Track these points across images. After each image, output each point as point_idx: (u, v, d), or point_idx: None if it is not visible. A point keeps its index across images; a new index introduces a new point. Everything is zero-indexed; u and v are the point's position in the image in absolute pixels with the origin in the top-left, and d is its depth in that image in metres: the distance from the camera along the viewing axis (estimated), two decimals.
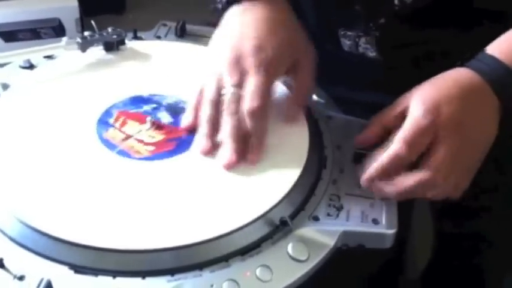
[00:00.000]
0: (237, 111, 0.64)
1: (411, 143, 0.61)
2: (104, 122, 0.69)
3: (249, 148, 0.64)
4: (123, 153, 0.65)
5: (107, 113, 0.70)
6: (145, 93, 0.73)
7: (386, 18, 0.77)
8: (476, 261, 0.76)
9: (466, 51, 0.66)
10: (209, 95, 0.66)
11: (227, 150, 0.64)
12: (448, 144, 0.61)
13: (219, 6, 0.72)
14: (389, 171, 0.62)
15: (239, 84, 0.65)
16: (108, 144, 0.66)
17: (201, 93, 0.68)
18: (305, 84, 0.70)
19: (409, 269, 0.83)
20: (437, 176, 0.61)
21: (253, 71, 0.65)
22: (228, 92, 0.65)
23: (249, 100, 0.64)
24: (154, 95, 0.73)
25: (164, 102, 0.72)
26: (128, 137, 0.67)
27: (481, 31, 0.67)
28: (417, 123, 0.61)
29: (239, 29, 0.68)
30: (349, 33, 0.80)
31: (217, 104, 0.65)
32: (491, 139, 0.64)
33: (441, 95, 0.63)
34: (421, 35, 0.77)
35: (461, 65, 0.65)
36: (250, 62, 0.65)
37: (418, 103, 0.63)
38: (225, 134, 0.64)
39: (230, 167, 0.63)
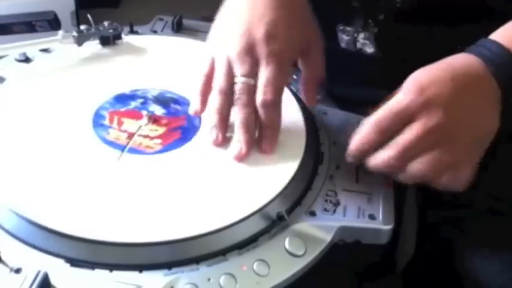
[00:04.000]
0: (248, 103, 0.64)
1: (378, 125, 0.61)
2: (99, 124, 0.68)
3: (263, 139, 0.65)
4: (134, 151, 0.65)
5: (98, 115, 0.69)
6: (127, 90, 0.73)
7: (385, 14, 0.77)
8: (451, 254, 0.76)
9: (467, 46, 0.66)
10: (219, 85, 0.65)
11: (239, 142, 0.64)
12: (421, 126, 0.59)
13: None
14: (362, 151, 0.63)
15: (250, 74, 0.64)
16: (115, 145, 0.66)
17: (207, 77, 0.67)
18: (318, 66, 0.71)
19: (400, 263, 0.83)
20: (397, 157, 0.60)
21: (266, 61, 0.64)
22: (239, 81, 0.64)
23: (263, 92, 0.63)
24: (137, 90, 0.73)
25: (150, 96, 0.72)
26: (131, 135, 0.67)
27: (483, 27, 0.66)
28: (394, 104, 0.61)
29: (248, 14, 0.67)
30: (347, 28, 0.80)
31: (227, 94, 0.65)
32: (491, 130, 0.62)
33: (431, 77, 0.61)
34: (420, 30, 0.77)
35: (462, 50, 0.64)
36: (262, 52, 0.64)
37: (404, 85, 0.62)
38: (237, 125, 0.64)
39: (241, 158, 0.64)
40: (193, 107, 0.69)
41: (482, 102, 0.62)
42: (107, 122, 0.68)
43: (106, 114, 0.69)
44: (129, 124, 0.68)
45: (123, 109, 0.70)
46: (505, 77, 0.62)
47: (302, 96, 0.73)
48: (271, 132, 0.65)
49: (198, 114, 0.69)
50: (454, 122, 0.60)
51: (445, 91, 0.60)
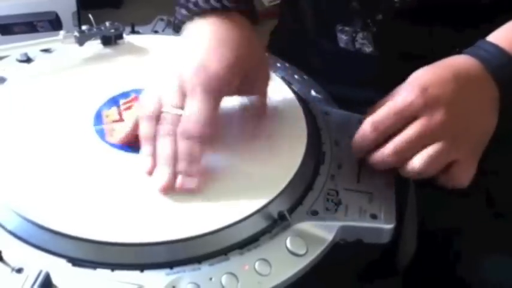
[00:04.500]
0: (169, 133, 0.61)
1: (376, 124, 0.62)
2: (100, 122, 0.68)
3: (178, 174, 0.60)
4: (100, 132, 0.66)
5: (100, 112, 0.69)
6: (128, 89, 0.73)
7: (384, 15, 0.77)
8: (451, 255, 0.76)
9: (465, 47, 0.66)
10: (146, 113, 0.63)
11: (161, 174, 0.60)
12: (421, 125, 0.60)
13: (177, 21, 0.72)
14: (362, 149, 0.64)
15: (177, 105, 0.62)
16: (99, 121, 0.66)
17: (146, 106, 0.65)
18: (262, 97, 0.68)
19: (401, 263, 0.83)
20: (397, 154, 0.61)
21: (192, 93, 0.61)
22: (165, 110, 0.62)
23: (182, 124, 0.61)
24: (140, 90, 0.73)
25: None
26: (119, 121, 0.68)
27: (482, 27, 0.66)
28: (395, 103, 0.61)
29: (183, 49, 0.66)
30: (346, 28, 0.81)
31: (152, 121, 0.63)
32: (490, 129, 0.63)
33: (432, 77, 0.62)
34: (418, 30, 0.77)
35: (460, 52, 0.65)
36: (188, 84, 0.62)
37: (405, 84, 0.62)
38: (159, 156, 0.61)
39: (166, 191, 0.60)
40: (120, 136, 0.66)
41: (482, 102, 0.63)
42: (109, 119, 0.68)
43: (107, 112, 0.69)
44: (133, 112, 0.68)
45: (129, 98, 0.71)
46: (502, 78, 0.63)
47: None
48: (188, 165, 0.60)
49: (122, 142, 0.66)
50: (455, 120, 0.61)
51: (447, 90, 0.61)
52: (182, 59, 0.65)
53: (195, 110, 0.61)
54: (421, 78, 0.63)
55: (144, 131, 0.63)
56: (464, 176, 0.63)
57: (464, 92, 0.62)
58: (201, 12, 0.68)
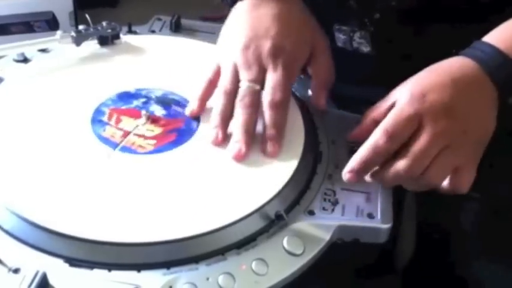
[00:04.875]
0: (251, 104, 0.65)
1: (390, 133, 0.60)
2: (97, 120, 0.68)
3: (269, 141, 0.65)
4: (126, 149, 0.65)
5: (98, 111, 0.69)
6: (131, 88, 0.73)
7: (381, 14, 0.77)
8: (449, 254, 0.76)
9: (462, 46, 0.66)
10: (224, 86, 0.67)
11: (239, 142, 0.64)
12: (429, 133, 0.59)
13: (228, 0, 0.73)
14: (371, 163, 0.61)
15: (257, 80, 0.66)
16: (109, 143, 0.66)
17: (210, 81, 0.69)
18: (326, 69, 0.72)
19: (399, 262, 0.83)
20: (414, 166, 0.59)
21: (274, 69, 0.66)
22: (245, 85, 0.66)
23: (271, 93, 0.65)
24: (142, 90, 0.73)
25: (153, 96, 0.72)
26: (127, 133, 0.67)
27: (478, 26, 0.66)
28: (400, 112, 0.61)
29: (253, 26, 0.69)
30: (343, 28, 0.81)
31: (231, 96, 0.66)
32: (489, 129, 0.63)
33: (430, 83, 0.62)
34: (416, 29, 0.77)
35: (457, 53, 0.65)
36: (270, 63, 0.66)
37: (405, 92, 0.62)
38: (238, 125, 0.65)
39: (240, 158, 0.64)
40: (191, 108, 0.69)
41: (481, 104, 0.63)
42: (105, 118, 0.68)
43: (106, 110, 0.69)
44: (127, 122, 0.68)
45: (124, 107, 0.70)
46: (499, 78, 0.62)
47: (312, 99, 0.73)
48: (278, 133, 0.65)
49: (195, 115, 0.69)
50: (457, 124, 0.61)
51: (446, 95, 0.61)
52: (240, 34, 0.69)
53: (279, 82, 0.66)
54: (419, 84, 0.62)
55: (221, 103, 0.66)
56: (466, 181, 0.62)
57: (462, 95, 0.62)
58: None
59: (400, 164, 0.60)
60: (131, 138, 0.66)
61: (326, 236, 0.59)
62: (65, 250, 0.55)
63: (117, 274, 0.54)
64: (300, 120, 0.70)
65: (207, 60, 0.72)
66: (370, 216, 0.62)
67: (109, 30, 0.79)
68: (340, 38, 0.82)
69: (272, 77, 0.66)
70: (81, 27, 0.79)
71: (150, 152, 0.65)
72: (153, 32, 0.85)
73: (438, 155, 0.60)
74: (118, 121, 0.68)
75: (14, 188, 0.60)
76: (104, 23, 0.79)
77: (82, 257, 0.55)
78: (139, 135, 0.67)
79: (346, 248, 0.61)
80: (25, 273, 0.53)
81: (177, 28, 0.85)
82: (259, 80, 0.66)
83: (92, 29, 0.79)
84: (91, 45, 0.79)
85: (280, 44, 0.67)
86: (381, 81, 0.66)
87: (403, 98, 0.62)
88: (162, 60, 0.78)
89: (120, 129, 0.67)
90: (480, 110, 0.63)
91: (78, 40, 0.78)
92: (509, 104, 0.63)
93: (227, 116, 0.66)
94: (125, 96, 0.72)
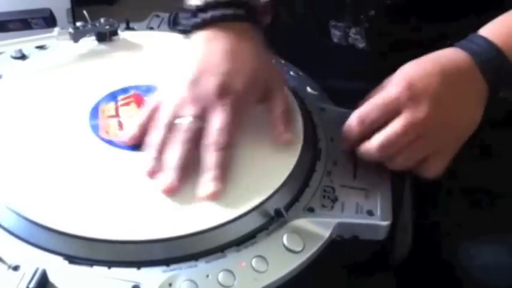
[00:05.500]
0: (191, 140, 0.62)
1: (362, 118, 0.63)
2: (96, 120, 0.68)
3: (212, 181, 0.60)
4: (95, 128, 0.66)
5: (95, 109, 0.69)
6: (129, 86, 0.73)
7: (376, 10, 0.77)
8: (444, 251, 0.76)
9: (456, 41, 0.66)
10: (167, 119, 0.63)
11: (171, 176, 0.60)
12: (405, 120, 0.61)
13: (185, 29, 0.71)
14: (348, 142, 0.65)
15: (200, 117, 0.63)
16: (95, 116, 0.66)
17: (153, 112, 0.65)
18: (280, 107, 0.67)
19: (395, 258, 0.84)
20: (380, 149, 0.62)
21: (220, 109, 0.63)
22: (187, 120, 0.62)
23: (217, 135, 0.62)
24: (140, 86, 0.72)
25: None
26: (114, 116, 0.68)
27: (472, 21, 0.67)
28: (381, 97, 0.62)
29: (204, 61, 0.65)
30: (339, 24, 0.81)
31: (171, 129, 0.63)
32: (474, 123, 0.63)
33: (419, 72, 0.63)
34: (410, 26, 0.78)
35: (451, 45, 0.65)
36: (216, 102, 0.63)
37: (393, 79, 0.63)
38: (174, 160, 0.61)
39: (171, 192, 0.60)
40: (130, 135, 0.66)
41: (468, 96, 0.63)
42: (104, 114, 0.68)
43: (132, 92, 0.70)
44: (130, 109, 0.69)
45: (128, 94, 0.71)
46: (492, 71, 0.63)
47: (273, 137, 0.68)
48: (223, 174, 0.61)
49: (131, 143, 0.65)
50: (440, 115, 0.62)
51: (433, 84, 0.62)
52: (190, 68, 0.65)
53: (224, 124, 0.62)
54: (407, 72, 0.63)
55: (157, 136, 0.63)
56: (438, 167, 0.63)
57: (450, 85, 0.62)
58: (211, 21, 0.68)
59: (368, 145, 0.63)
60: (111, 122, 0.67)
61: (326, 233, 0.59)
62: (64, 248, 0.55)
63: (116, 271, 0.54)
64: (298, 117, 0.69)
65: None
66: (370, 213, 0.62)
67: (107, 27, 0.79)
68: (336, 34, 0.82)
69: (218, 118, 0.62)
70: (79, 23, 0.79)
71: (107, 141, 0.65)
72: (151, 28, 0.85)
73: (411, 142, 0.61)
74: (125, 104, 0.69)
75: (14, 186, 0.60)
76: (102, 20, 0.79)
77: (82, 255, 0.55)
78: (120, 124, 0.67)
79: (345, 245, 0.61)
80: (25, 271, 0.53)
81: (175, 25, 0.85)
82: (201, 117, 0.63)
83: (89, 26, 0.79)
84: (89, 42, 0.79)
85: (228, 82, 0.63)
86: (377, 76, 0.66)
87: (390, 84, 0.63)
88: (161, 56, 0.78)
89: (117, 110, 0.68)
90: (466, 103, 0.63)
91: (76, 37, 0.78)
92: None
93: (164, 149, 0.63)
94: (122, 92, 0.72)
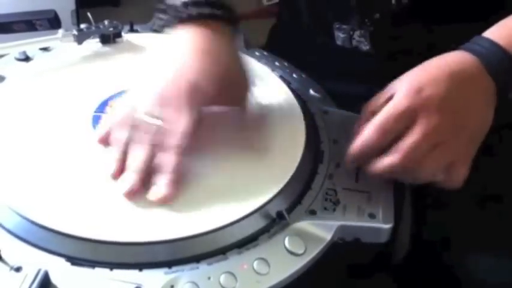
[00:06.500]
0: (157, 143, 0.61)
1: (382, 127, 0.61)
2: (99, 119, 0.68)
3: (166, 184, 0.60)
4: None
5: (104, 104, 0.70)
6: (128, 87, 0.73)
7: (381, 13, 0.77)
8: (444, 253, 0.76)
9: (461, 43, 0.66)
10: (135, 120, 0.62)
11: (133, 179, 0.60)
12: (423, 127, 0.60)
13: (162, 24, 0.70)
14: (364, 156, 0.62)
15: (169, 120, 0.61)
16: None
17: (122, 113, 0.65)
18: (242, 109, 0.67)
19: (394, 259, 0.84)
20: (405, 161, 0.60)
21: (173, 105, 0.61)
22: (156, 122, 0.61)
23: (180, 138, 0.61)
24: None
25: None
26: None
27: (476, 25, 0.67)
28: (395, 106, 0.61)
29: (178, 61, 0.65)
30: (343, 26, 0.81)
31: (138, 130, 0.62)
32: (486, 124, 0.63)
33: (427, 77, 0.62)
34: (415, 29, 0.78)
35: (456, 48, 0.65)
36: (185, 104, 0.62)
37: (402, 86, 0.62)
38: (135, 162, 0.61)
39: (131, 196, 0.59)
40: (98, 135, 0.65)
41: (478, 99, 0.63)
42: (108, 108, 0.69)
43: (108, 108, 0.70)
44: None
45: None
46: (498, 73, 0.63)
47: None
48: (179, 179, 0.60)
49: (100, 143, 0.65)
50: (452, 120, 0.61)
51: (443, 89, 0.61)
52: (162, 69, 0.65)
53: (176, 122, 0.61)
54: (414, 79, 0.63)
55: (116, 136, 0.63)
56: (459, 176, 0.62)
57: (459, 89, 0.62)
58: (186, 19, 0.67)
59: (392, 158, 0.61)
60: None
61: (327, 236, 0.59)
62: (67, 249, 0.55)
63: (118, 273, 0.54)
64: (301, 119, 0.70)
65: None
66: (372, 216, 0.62)
67: (111, 29, 0.79)
68: (340, 36, 0.82)
69: (170, 117, 0.61)
70: (83, 25, 0.79)
71: None
72: (155, 30, 0.85)
73: (431, 150, 0.60)
74: None
75: (16, 187, 0.60)
76: (106, 22, 0.80)
77: (84, 256, 0.55)
78: None
79: (347, 248, 0.61)
80: (27, 272, 0.53)
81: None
82: (171, 120, 0.61)
83: (93, 28, 0.79)
84: (93, 44, 0.79)
85: (199, 84, 0.62)
86: (380, 79, 0.66)
87: (399, 91, 0.62)
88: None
89: None
90: (477, 105, 0.63)
91: (80, 39, 0.78)
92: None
93: (127, 149, 0.62)
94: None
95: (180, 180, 0.60)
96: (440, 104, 0.61)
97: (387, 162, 0.61)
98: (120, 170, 0.61)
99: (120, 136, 0.62)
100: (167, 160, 0.60)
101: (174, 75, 0.63)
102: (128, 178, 0.60)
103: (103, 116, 0.68)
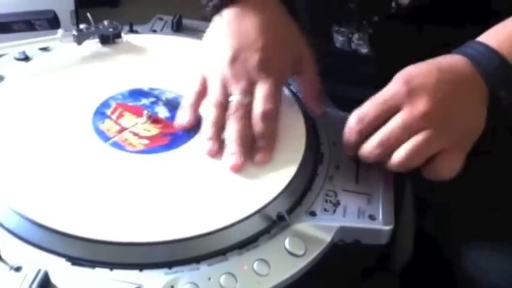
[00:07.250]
0: (244, 116, 0.65)
1: (361, 115, 0.63)
2: (101, 112, 0.69)
3: (261, 150, 0.64)
4: (116, 145, 0.65)
5: (105, 103, 0.70)
6: (145, 86, 0.73)
7: (380, 17, 0.78)
8: (448, 254, 0.76)
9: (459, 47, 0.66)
10: (215, 99, 0.66)
11: (234, 153, 0.64)
12: (403, 115, 0.61)
13: (209, 10, 0.73)
14: (351, 143, 0.65)
15: (247, 92, 0.66)
16: (102, 136, 0.66)
17: (198, 94, 0.68)
18: (313, 77, 0.72)
19: (398, 262, 0.84)
20: (384, 143, 0.62)
21: (263, 82, 0.66)
22: (235, 98, 0.66)
23: (261, 104, 0.65)
24: (155, 89, 0.73)
25: (163, 97, 0.72)
26: (123, 129, 0.67)
27: (474, 29, 0.67)
28: (380, 93, 0.63)
29: (240, 38, 0.69)
30: (342, 29, 0.81)
31: (223, 108, 0.66)
32: (477, 124, 0.63)
33: (417, 71, 0.63)
34: (414, 32, 0.78)
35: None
36: (258, 75, 0.66)
37: (393, 80, 0.63)
38: (232, 137, 0.64)
39: (237, 169, 0.63)
40: (182, 120, 0.68)
41: (469, 97, 0.63)
42: (109, 111, 0.69)
43: (113, 104, 0.70)
44: (128, 119, 0.68)
45: (131, 103, 0.71)
46: (491, 77, 0.63)
47: (309, 109, 0.73)
48: (269, 142, 0.65)
49: (189, 125, 0.68)
50: (439, 109, 0.61)
51: (430, 81, 0.62)
52: (242, 46, 0.68)
53: (269, 94, 0.66)
54: (406, 72, 0.64)
55: (213, 115, 0.66)
56: (447, 167, 0.63)
57: (448, 83, 0.62)
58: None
59: (370, 142, 0.63)
60: (125, 134, 0.66)
61: (327, 237, 0.59)
62: (67, 249, 0.55)
63: (119, 273, 0.54)
64: (301, 121, 0.70)
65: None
66: (372, 217, 0.62)
67: (110, 29, 0.79)
68: (339, 39, 0.82)
69: (262, 89, 0.66)
70: (82, 26, 0.79)
71: (140, 152, 0.65)
72: (154, 31, 0.85)
73: (415, 137, 0.61)
74: (120, 116, 0.69)
75: (16, 186, 0.60)
76: (105, 22, 0.79)
77: (84, 256, 0.55)
78: (135, 133, 0.67)
79: (347, 249, 0.61)
80: (27, 272, 0.53)
81: (178, 28, 0.85)
82: (249, 92, 0.66)
83: (93, 28, 0.79)
84: (92, 44, 0.79)
85: (267, 56, 0.67)
86: (379, 82, 0.66)
87: (390, 83, 0.63)
88: (164, 60, 0.78)
89: (119, 124, 0.68)
90: (468, 103, 0.63)
91: (79, 39, 0.78)
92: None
93: (220, 127, 0.66)
94: (136, 93, 0.72)
95: (273, 145, 0.65)
96: (428, 92, 0.61)
97: (366, 146, 0.63)
98: (218, 148, 0.65)
99: (216, 115, 0.66)
100: (269, 128, 0.65)
101: (242, 51, 0.68)
102: (232, 151, 0.64)
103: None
